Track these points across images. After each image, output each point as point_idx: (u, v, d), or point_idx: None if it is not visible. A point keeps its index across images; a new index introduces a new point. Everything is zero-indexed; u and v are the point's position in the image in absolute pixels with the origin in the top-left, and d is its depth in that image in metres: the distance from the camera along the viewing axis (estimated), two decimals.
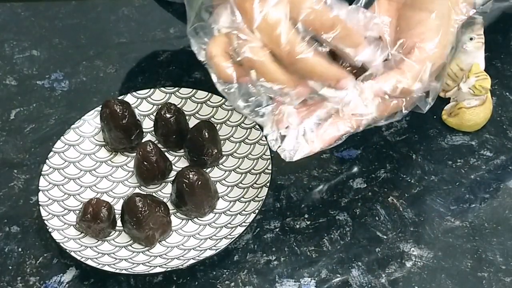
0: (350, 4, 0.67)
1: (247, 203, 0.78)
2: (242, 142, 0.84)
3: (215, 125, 0.83)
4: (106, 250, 0.75)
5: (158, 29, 1.01)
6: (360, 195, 0.80)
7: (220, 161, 0.83)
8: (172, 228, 0.77)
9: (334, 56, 0.67)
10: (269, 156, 0.80)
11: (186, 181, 0.76)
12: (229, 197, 0.80)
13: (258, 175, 0.80)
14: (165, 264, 0.74)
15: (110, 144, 0.84)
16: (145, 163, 0.80)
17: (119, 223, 0.77)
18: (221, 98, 0.86)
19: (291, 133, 0.67)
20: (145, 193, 0.79)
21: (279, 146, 0.67)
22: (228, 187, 0.81)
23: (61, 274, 0.75)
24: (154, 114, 0.85)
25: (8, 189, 0.83)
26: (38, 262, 0.77)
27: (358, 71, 0.67)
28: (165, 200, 0.79)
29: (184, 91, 0.88)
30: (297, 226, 0.78)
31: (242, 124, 0.84)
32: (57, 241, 0.74)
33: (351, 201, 0.80)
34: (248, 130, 0.84)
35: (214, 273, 0.75)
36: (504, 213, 0.78)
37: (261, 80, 0.65)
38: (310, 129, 0.67)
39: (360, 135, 0.79)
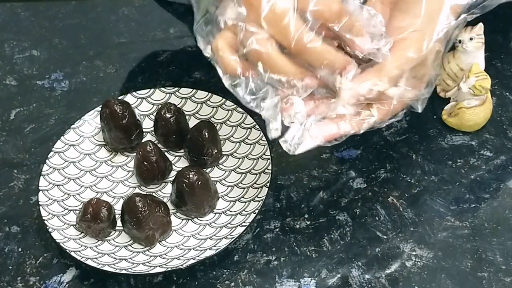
0: None
1: (247, 203, 0.78)
2: (242, 142, 0.84)
3: (215, 125, 0.83)
4: (106, 250, 0.75)
5: (158, 29, 1.01)
6: (360, 195, 0.80)
7: (220, 161, 0.83)
8: (172, 228, 0.77)
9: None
10: (269, 156, 0.80)
11: (186, 181, 0.76)
12: (229, 197, 0.80)
13: (258, 175, 0.80)
14: (165, 264, 0.74)
15: (110, 144, 0.84)
16: (145, 163, 0.80)
17: (119, 223, 0.78)
18: (221, 98, 0.86)
19: (295, 125, 0.67)
20: (145, 193, 0.79)
21: (281, 137, 0.67)
22: (228, 187, 0.81)
23: (61, 274, 0.75)
24: (154, 114, 0.85)
25: (8, 189, 0.83)
26: (38, 262, 0.77)
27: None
28: (165, 200, 0.79)
29: (184, 91, 0.88)
30: (297, 226, 0.78)
31: (242, 124, 0.84)
32: (57, 241, 0.74)
33: (351, 201, 0.80)
34: (248, 130, 0.84)
35: (214, 273, 0.75)
36: (504, 213, 0.78)
37: (268, 72, 0.65)
38: (314, 124, 0.67)
39: (360, 135, 0.79)
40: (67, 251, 0.73)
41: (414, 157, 0.83)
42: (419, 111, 0.70)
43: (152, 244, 0.76)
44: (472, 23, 0.79)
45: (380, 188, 0.80)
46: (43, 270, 0.76)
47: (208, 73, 0.93)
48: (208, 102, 0.87)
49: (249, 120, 0.84)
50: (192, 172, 0.76)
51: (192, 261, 0.73)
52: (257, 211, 0.76)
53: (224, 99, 0.86)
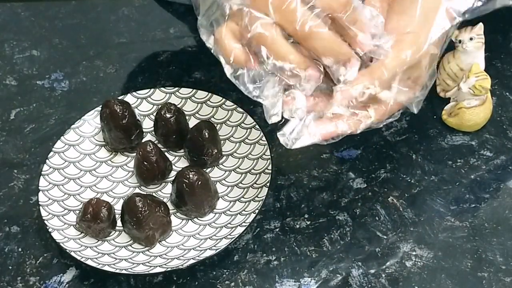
0: None
1: (247, 203, 0.78)
2: (242, 142, 0.84)
3: (215, 125, 0.83)
4: (106, 250, 0.75)
5: (158, 29, 1.01)
6: (360, 195, 0.80)
7: (220, 161, 0.83)
8: (172, 228, 0.77)
9: None
10: (269, 156, 0.80)
11: (186, 181, 0.76)
12: (229, 197, 0.80)
13: (258, 175, 0.80)
14: (165, 264, 0.74)
15: (110, 144, 0.84)
16: (145, 163, 0.80)
17: (119, 223, 0.77)
18: (221, 98, 0.86)
19: (294, 120, 0.67)
20: (145, 193, 0.79)
21: (280, 125, 0.67)
22: (228, 187, 0.81)
23: (61, 274, 0.75)
24: (154, 114, 0.85)
25: (8, 189, 0.83)
26: (38, 262, 0.77)
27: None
28: (165, 200, 0.79)
29: (184, 91, 0.88)
30: (297, 226, 0.78)
31: (242, 124, 0.84)
32: (57, 241, 0.74)
33: (351, 201, 0.80)
34: (248, 130, 0.84)
35: (214, 273, 0.75)
36: (504, 213, 0.78)
37: (271, 58, 0.65)
38: (313, 121, 0.67)
39: (360, 135, 0.79)
40: (67, 251, 0.73)
41: (414, 157, 0.83)
42: (415, 112, 0.70)
43: (152, 244, 0.76)
44: (472, 23, 0.79)
45: (380, 188, 0.80)
46: (43, 270, 0.76)
47: (208, 73, 0.93)
48: (208, 102, 0.87)
49: (249, 120, 0.84)
50: (192, 172, 0.76)
51: (192, 261, 0.73)
52: (257, 211, 0.76)
53: (224, 99, 0.86)
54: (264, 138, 0.82)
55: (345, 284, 0.73)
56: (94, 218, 0.75)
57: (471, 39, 0.81)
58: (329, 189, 0.81)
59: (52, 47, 1.00)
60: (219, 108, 0.86)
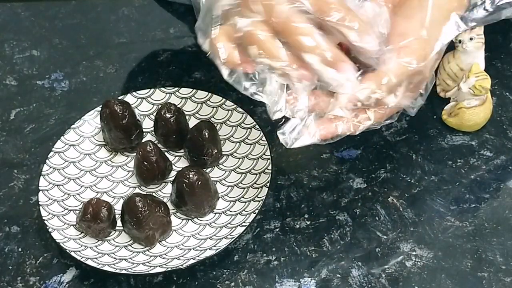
0: None
1: (247, 203, 0.78)
2: (242, 142, 0.84)
3: (215, 125, 0.83)
4: (106, 250, 0.75)
5: (158, 29, 1.01)
6: (360, 195, 0.80)
7: (220, 161, 0.83)
8: (172, 228, 0.77)
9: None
10: (269, 156, 0.80)
11: (186, 181, 0.76)
12: (229, 197, 0.80)
13: (258, 175, 0.80)
14: (165, 264, 0.74)
15: (110, 144, 0.84)
16: (145, 163, 0.80)
17: (119, 223, 0.78)
18: (221, 98, 0.86)
19: (295, 119, 0.67)
20: (145, 193, 0.79)
21: (281, 123, 0.67)
22: (228, 187, 0.81)
23: (61, 274, 0.75)
24: (154, 114, 0.85)
25: (8, 189, 0.83)
26: (38, 262, 0.77)
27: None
28: (165, 200, 0.79)
29: (184, 91, 0.88)
30: (297, 226, 0.78)
31: (242, 124, 0.84)
32: (57, 241, 0.74)
33: (351, 201, 0.80)
34: (248, 130, 0.84)
35: (214, 273, 0.75)
36: (504, 213, 0.78)
37: (261, 56, 0.64)
38: (313, 121, 0.67)
39: (360, 135, 0.79)
40: (67, 251, 0.73)
41: (414, 157, 0.83)
42: (412, 115, 0.70)
43: (152, 244, 0.76)
44: None
45: (380, 188, 0.80)
46: (43, 270, 0.76)
47: (208, 73, 0.93)
48: (208, 102, 0.87)
49: (249, 120, 0.84)
50: (192, 172, 0.76)
51: (192, 261, 0.73)
52: (257, 211, 0.76)
53: (224, 99, 0.86)
54: (264, 138, 0.82)
55: (345, 284, 0.73)
56: (94, 218, 0.75)
57: (471, 39, 0.81)
58: (329, 189, 0.81)
59: (52, 47, 1.00)
60: (219, 108, 0.86)
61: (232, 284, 0.74)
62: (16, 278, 0.76)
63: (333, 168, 0.83)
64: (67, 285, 0.75)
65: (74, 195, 0.80)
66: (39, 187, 0.79)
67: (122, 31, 1.01)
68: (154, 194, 0.80)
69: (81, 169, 0.83)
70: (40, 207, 0.77)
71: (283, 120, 0.67)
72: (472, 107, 0.82)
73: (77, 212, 0.77)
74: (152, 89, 0.88)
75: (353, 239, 0.77)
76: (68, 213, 0.78)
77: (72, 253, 0.73)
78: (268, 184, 0.78)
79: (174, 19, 1.02)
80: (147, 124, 0.86)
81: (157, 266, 0.73)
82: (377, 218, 0.78)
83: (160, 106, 0.85)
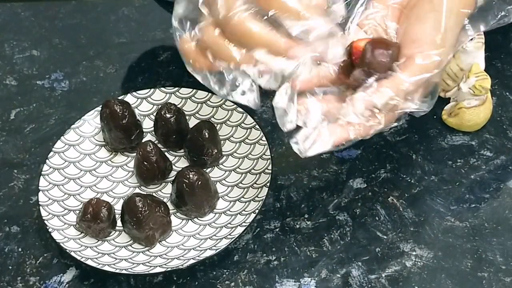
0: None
1: (247, 203, 0.78)
2: (242, 142, 0.84)
3: (215, 125, 0.83)
4: (106, 250, 0.75)
5: (158, 29, 1.01)
6: (360, 195, 0.80)
7: (220, 161, 0.83)
8: (172, 228, 0.77)
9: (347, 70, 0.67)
10: (269, 156, 0.80)
11: (186, 181, 0.76)
12: (229, 197, 0.80)
13: (258, 175, 0.80)
14: (165, 264, 0.74)
15: (110, 144, 0.84)
16: (145, 163, 0.80)
17: (119, 223, 0.78)
18: (221, 98, 0.86)
19: (307, 127, 0.66)
20: (145, 193, 0.79)
21: (294, 131, 0.67)
22: (228, 187, 0.81)
23: (61, 274, 0.76)
24: (154, 114, 0.85)
25: (8, 189, 0.83)
26: (38, 262, 0.77)
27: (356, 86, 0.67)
28: (165, 200, 0.79)
29: (184, 91, 0.88)
30: (297, 226, 0.78)
31: (242, 124, 0.84)
32: (57, 241, 0.74)
33: (351, 201, 0.80)
34: (248, 130, 0.84)
35: (214, 273, 0.75)
36: (504, 213, 0.78)
37: (217, 60, 0.65)
38: (325, 129, 0.66)
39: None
40: (67, 251, 0.73)
41: (414, 157, 0.83)
42: (417, 116, 0.70)
43: (152, 244, 0.76)
44: None
45: (380, 188, 0.80)
46: (43, 270, 0.76)
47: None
48: (208, 102, 0.87)
49: (249, 120, 0.84)
50: (192, 172, 0.76)
51: (192, 261, 0.73)
52: (257, 211, 0.76)
53: (224, 99, 0.86)
54: (264, 138, 0.82)
55: (345, 284, 0.73)
56: (94, 218, 0.75)
57: (471, 39, 0.81)
58: (329, 189, 0.81)
59: (52, 47, 1.00)
60: (219, 108, 0.86)
61: (232, 284, 0.74)
62: (16, 278, 0.76)
63: (333, 168, 0.83)
64: (67, 285, 0.75)
65: (74, 195, 0.80)
66: (39, 187, 0.79)
67: (122, 31, 1.01)
68: (154, 194, 0.80)
69: (81, 169, 0.83)
70: (40, 207, 0.77)
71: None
72: (472, 107, 0.82)
73: (77, 212, 0.77)
74: (152, 89, 0.88)
75: (353, 239, 0.77)
76: (68, 213, 0.78)
77: (72, 253, 0.73)
78: (268, 184, 0.78)
79: None
80: (147, 124, 0.86)
81: (157, 266, 0.73)
82: (377, 218, 0.78)
83: (160, 106, 0.85)
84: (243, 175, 0.81)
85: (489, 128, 0.85)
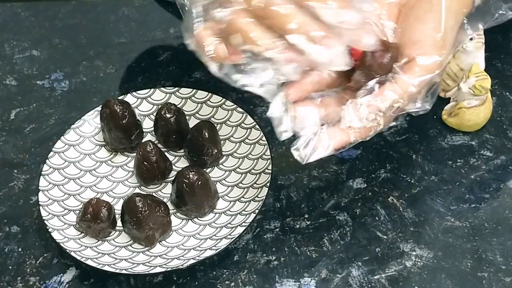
0: None
1: (247, 203, 0.78)
2: (242, 142, 0.84)
3: (215, 125, 0.83)
4: (106, 250, 0.75)
5: (158, 29, 1.01)
6: (360, 195, 0.80)
7: (220, 161, 0.83)
8: (172, 228, 0.77)
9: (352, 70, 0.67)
10: (269, 156, 0.80)
11: (186, 181, 0.76)
12: (229, 197, 0.80)
13: (258, 175, 0.80)
14: (165, 264, 0.74)
15: (110, 144, 0.84)
16: (145, 163, 0.80)
17: (119, 223, 0.77)
18: (221, 98, 0.86)
19: (306, 134, 0.66)
20: (145, 193, 0.79)
21: (291, 141, 0.67)
22: (228, 187, 0.81)
23: (61, 274, 0.75)
24: (154, 114, 0.85)
25: (8, 189, 0.83)
26: (38, 262, 0.77)
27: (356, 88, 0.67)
28: (165, 200, 0.79)
29: (184, 91, 0.88)
30: (297, 226, 0.78)
31: (242, 124, 0.84)
32: (57, 241, 0.74)
33: (351, 201, 0.80)
34: (248, 130, 0.84)
35: (214, 273, 0.75)
36: (504, 213, 0.78)
37: (245, 43, 0.63)
38: (325, 133, 0.66)
39: None
40: (67, 251, 0.73)
41: (414, 157, 0.83)
42: (415, 114, 0.70)
43: (152, 244, 0.76)
44: None
45: (380, 188, 0.80)
46: (43, 270, 0.76)
47: (208, 73, 0.91)
48: (208, 102, 0.87)
49: (249, 120, 0.84)
50: (192, 172, 0.76)
51: (192, 261, 0.73)
52: (257, 211, 0.76)
53: (224, 99, 0.86)
54: (264, 138, 0.82)
55: (345, 284, 0.73)
56: (94, 218, 0.75)
57: (471, 39, 0.81)
58: (329, 189, 0.81)
59: (52, 47, 1.00)
60: (219, 108, 0.86)
61: (232, 284, 0.74)
62: (16, 278, 0.76)
63: (333, 168, 0.83)
64: (67, 285, 0.75)
65: (74, 195, 0.80)
66: (39, 187, 0.79)
67: (122, 31, 1.01)
68: (154, 194, 0.80)
69: (81, 169, 0.83)
70: (40, 207, 0.77)
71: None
72: (472, 107, 0.82)
73: (77, 212, 0.77)
74: (152, 89, 0.88)
75: (353, 239, 0.77)
76: (68, 213, 0.78)
77: (72, 253, 0.73)
78: (268, 184, 0.78)
79: (174, 19, 1.02)
80: (147, 124, 0.86)
81: (157, 266, 0.73)
82: (377, 218, 0.78)
83: (160, 106, 0.85)
84: (243, 175, 0.81)
85: (489, 128, 0.85)
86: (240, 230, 0.75)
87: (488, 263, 0.74)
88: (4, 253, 0.78)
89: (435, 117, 0.86)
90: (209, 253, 0.73)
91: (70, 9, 1.05)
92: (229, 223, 0.77)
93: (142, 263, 0.74)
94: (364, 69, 0.66)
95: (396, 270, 0.74)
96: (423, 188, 0.80)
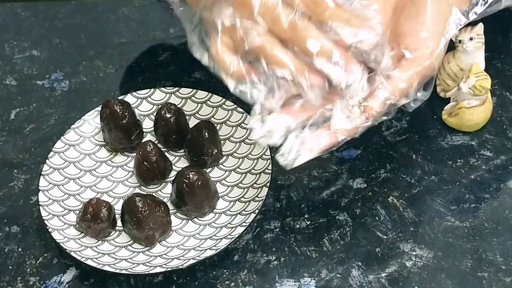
0: None
1: (247, 203, 0.78)
2: (242, 142, 0.84)
3: (215, 125, 0.83)
4: (106, 250, 0.75)
5: (158, 29, 1.01)
6: (360, 195, 0.80)
7: (220, 161, 0.83)
8: (172, 228, 0.77)
9: None
10: (269, 156, 0.80)
11: (186, 181, 0.76)
12: (229, 197, 0.80)
13: (258, 175, 0.80)
14: (165, 264, 0.74)
15: (110, 144, 0.84)
16: (145, 163, 0.80)
17: (119, 223, 0.78)
18: (221, 98, 0.86)
19: (289, 139, 0.67)
20: (145, 193, 0.79)
21: (278, 152, 0.67)
22: (228, 187, 0.81)
23: (61, 274, 0.75)
24: (154, 114, 0.85)
25: (8, 189, 0.83)
26: (38, 262, 0.77)
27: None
28: (165, 200, 0.79)
29: (184, 91, 0.88)
30: (297, 226, 0.78)
31: (242, 124, 0.84)
32: (57, 241, 0.74)
33: (351, 201, 0.80)
34: (248, 130, 0.84)
35: (214, 273, 0.75)
36: (504, 213, 0.78)
37: (271, 68, 0.64)
38: (309, 137, 0.66)
39: (360, 135, 0.79)
40: (67, 251, 0.73)
41: (414, 157, 0.83)
42: (410, 110, 0.70)
43: (152, 244, 0.76)
44: (472, 23, 0.79)
45: (380, 188, 0.80)
46: (43, 270, 0.76)
47: (208, 73, 0.91)
48: (208, 102, 0.87)
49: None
50: (192, 172, 0.76)
51: (192, 261, 0.73)
52: (257, 211, 0.76)
53: (224, 99, 0.86)
54: None
55: (345, 284, 0.73)
56: (94, 218, 0.75)
57: (471, 39, 0.81)
58: (329, 189, 0.81)
59: (52, 47, 1.00)
60: (219, 108, 0.86)
61: (232, 284, 0.74)
62: (16, 278, 0.76)
63: (333, 168, 0.83)
64: (67, 285, 0.75)
65: (74, 195, 0.80)
66: (39, 187, 0.79)
67: (122, 31, 1.01)
68: (154, 194, 0.80)
69: (81, 169, 0.83)
70: (40, 207, 0.77)
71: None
72: (472, 107, 0.82)
73: (77, 212, 0.77)
74: (152, 89, 0.88)
75: (353, 239, 0.77)
76: (68, 213, 0.78)
77: (72, 253, 0.73)
78: (268, 184, 0.78)
79: (174, 19, 1.01)
80: (147, 124, 0.86)
81: (157, 266, 0.73)
82: (377, 218, 0.78)
83: (160, 106, 0.85)
84: (243, 175, 0.81)
85: (489, 128, 0.85)
86: (240, 230, 0.75)
87: (488, 263, 0.74)
88: (4, 253, 0.78)
89: (435, 117, 0.86)
90: (209, 253, 0.73)
91: (70, 9, 1.05)
92: (229, 223, 0.77)
93: (142, 263, 0.74)
94: None
95: (396, 270, 0.74)
96: (423, 188, 0.80)
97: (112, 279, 0.75)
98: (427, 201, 0.79)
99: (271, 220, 0.78)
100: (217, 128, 0.84)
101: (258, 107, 0.67)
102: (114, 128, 0.82)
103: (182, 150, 0.84)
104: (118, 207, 0.78)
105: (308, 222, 0.78)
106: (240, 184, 0.80)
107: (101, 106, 0.84)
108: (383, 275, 0.73)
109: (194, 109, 0.87)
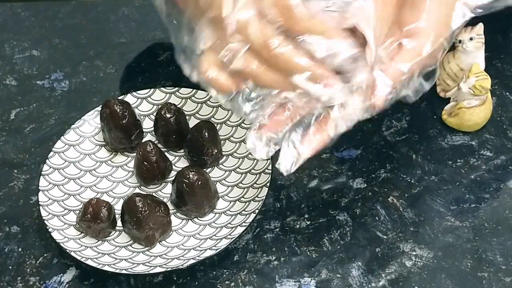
0: None
1: (247, 203, 0.78)
2: (242, 142, 0.84)
3: (215, 125, 0.83)
4: (106, 250, 0.75)
5: (158, 29, 1.01)
6: (360, 195, 0.80)
7: (220, 161, 0.83)
8: (172, 228, 0.77)
9: None
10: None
11: (186, 181, 0.76)
12: (229, 197, 0.80)
13: (258, 175, 0.80)
14: (165, 264, 0.74)
15: (110, 144, 0.84)
16: (145, 163, 0.80)
17: (119, 223, 0.78)
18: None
19: (283, 147, 0.67)
20: (145, 193, 0.79)
21: (277, 162, 0.67)
22: (228, 187, 0.81)
23: (61, 274, 0.76)
24: (154, 114, 0.85)
25: (8, 189, 0.83)
26: (38, 262, 0.77)
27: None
28: (165, 200, 0.79)
29: (184, 91, 0.88)
30: (297, 226, 0.78)
31: (242, 124, 0.84)
32: (57, 241, 0.74)
33: (351, 201, 0.80)
34: (248, 130, 0.84)
35: (214, 273, 0.75)
36: (504, 213, 0.78)
37: (258, 88, 0.65)
38: (298, 141, 0.66)
39: (360, 135, 0.79)
40: (67, 251, 0.74)
41: (414, 157, 0.83)
42: (410, 102, 0.69)
43: (152, 244, 0.76)
44: (472, 23, 0.79)
45: (380, 188, 0.80)
46: (43, 270, 0.76)
47: None
48: (208, 102, 0.87)
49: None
50: (192, 172, 0.76)
51: (192, 261, 0.73)
52: (257, 211, 0.76)
53: None
54: None
55: (345, 284, 0.73)
56: (94, 218, 0.75)
57: (471, 39, 0.81)
58: (329, 189, 0.81)
59: (52, 47, 1.00)
60: (219, 108, 0.86)
61: (232, 284, 0.74)
62: (16, 278, 0.76)
63: (333, 168, 0.83)
64: (67, 285, 0.75)
65: (74, 195, 0.80)
66: (39, 187, 0.79)
67: (122, 31, 1.01)
68: (154, 194, 0.80)
69: (81, 169, 0.83)
70: (40, 207, 0.77)
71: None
72: (472, 107, 0.82)
73: (77, 212, 0.77)
74: (152, 89, 0.88)
75: (353, 239, 0.77)
76: (68, 213, 0.78)
77: (72, 253, 0.73)
78: (268, 184, 0.78)
79: None
80: (147, 124, 0.86)
81: (157, 266, 0.73)
82: (377, 218, 0.78)
83: (160, 106, 0.85)
84: (243, 175, 0.81)
85: (489, 128, 0.85)
86: (240, 230, 0.75)
87: (488, 263, 0.74)
88: (4, 253, 0.78)
89: (435, 117, 0.86)
90: (209, 253, 0.73)
91: (70, 9, 1.05)
92: (229, 223, 0.77)
93: (142, 263, 0.74)
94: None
95: (396, 270, 0.74)
96: (423, 188, 0.80)
97: (112, 279, 0.75)
98: (427, 201, 0.79)
99: (271, 220, 0.78)
100: (217, 128, 0.84)
101: (254, 130, 0.67)
102: (114, 128, 0.82)
103: (182, 150, 0.84)
104: (118, 207, 0.78)
105: (308, 222, 0.78)
106: (240, 184, 0.80)
107: (101, 106, 0.84)
108: (383, 275, 0.73)
109: (194, 109, 0.87)
